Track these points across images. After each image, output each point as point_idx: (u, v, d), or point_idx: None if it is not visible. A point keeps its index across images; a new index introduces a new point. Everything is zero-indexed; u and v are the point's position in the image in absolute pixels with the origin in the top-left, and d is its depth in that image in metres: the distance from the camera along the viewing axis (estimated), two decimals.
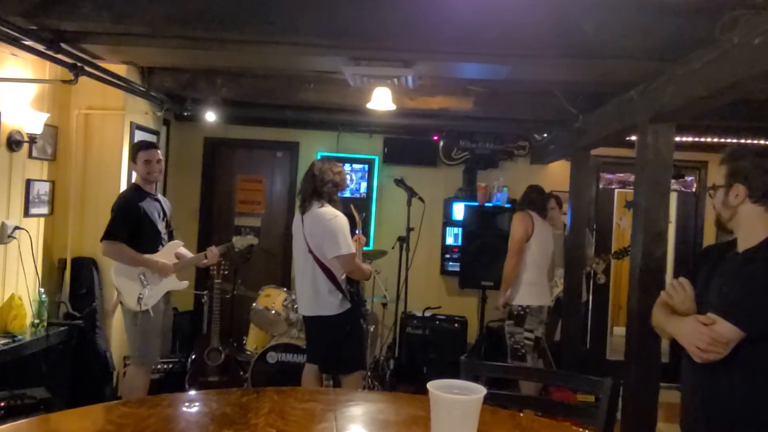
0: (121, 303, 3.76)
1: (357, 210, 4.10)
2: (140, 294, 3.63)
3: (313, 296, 3.73)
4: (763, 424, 1.80)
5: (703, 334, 1.80)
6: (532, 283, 4.49)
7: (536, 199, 4.70)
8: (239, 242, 4.16)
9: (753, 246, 1.87)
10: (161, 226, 3.84)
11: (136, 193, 3.79)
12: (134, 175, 4.04)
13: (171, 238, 3.97)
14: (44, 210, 4.41)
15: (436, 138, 6.15)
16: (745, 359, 1.79)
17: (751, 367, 1.80)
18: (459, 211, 6.04)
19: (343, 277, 3.73)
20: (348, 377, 3.83)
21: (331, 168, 3.76)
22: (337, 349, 3.76)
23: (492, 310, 5.29)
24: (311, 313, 3.78)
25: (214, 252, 4.00)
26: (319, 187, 3.71)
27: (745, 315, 1.77)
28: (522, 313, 4.45)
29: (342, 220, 3.66)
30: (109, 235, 3.64)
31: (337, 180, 3.74)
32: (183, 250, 4.00)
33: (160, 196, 3.96)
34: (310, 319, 3.82)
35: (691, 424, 1.98)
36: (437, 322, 5.64)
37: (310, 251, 3.69)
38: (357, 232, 3.95)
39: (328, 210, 3.68)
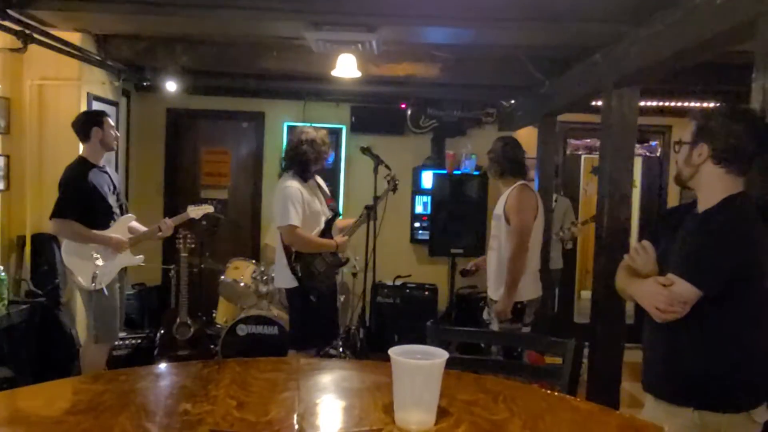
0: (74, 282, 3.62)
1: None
2: (94, 272, 3.50)
3: (276, 267, 3.76)
4: (720, 380, 1.83)
5: (661, 294, 1.82)
6: (533, 271, 3.61)
7: (521, 158, 3.77)
8: (194, 211, 3.95)
9: (711, 207, 1.88)
10: (112, 199, 3.68)
11: (84, 166, 3.60)
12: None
13: (123, 212, 3.79)
14: (0, 185, 4.26)
15: (403, 106, 6.08)
16: (703, 318, 1.81)
17: (709, 325, 1.83)
18: (428, 179, 6.02)
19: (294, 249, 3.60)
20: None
21: (301, 136, 3.64)
22: (295, 323, 3.74)
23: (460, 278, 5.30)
24: (275, 285, 3.86)
25: (168, 224, 3.79)
26: (287, 156, 3.69)
27: (702, 275, 1.79)
28: (520, 307, 3.55)
29: (291, 190, 3.53)
30: (59, 212, 3.49)
31: (301, 150, 3.59)
32: (135, 225, 3.83)
33: (108, 168, 3.78)
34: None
35: (652, 382, 2.01)
36: (407, 291, 5.66)
37: None
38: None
39: (285, 180, 3.63)
